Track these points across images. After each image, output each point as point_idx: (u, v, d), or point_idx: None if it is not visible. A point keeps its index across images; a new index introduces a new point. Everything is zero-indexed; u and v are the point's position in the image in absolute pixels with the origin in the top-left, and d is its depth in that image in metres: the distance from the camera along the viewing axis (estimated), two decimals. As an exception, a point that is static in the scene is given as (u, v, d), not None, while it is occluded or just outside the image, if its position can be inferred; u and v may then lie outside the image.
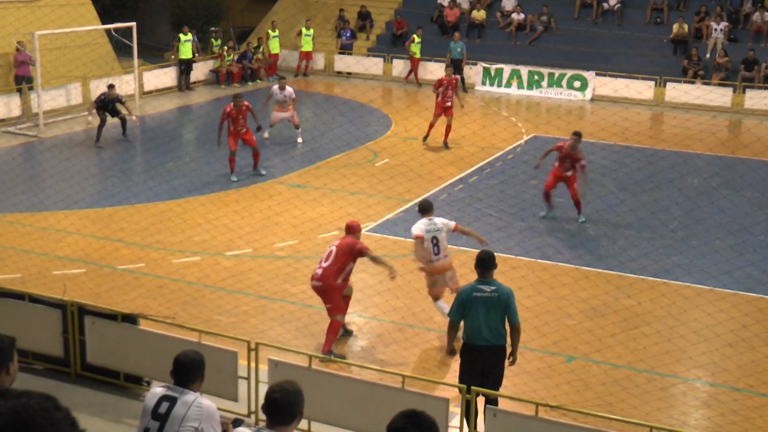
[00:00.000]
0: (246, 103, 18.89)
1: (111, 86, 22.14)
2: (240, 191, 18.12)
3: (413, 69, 31.86)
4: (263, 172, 19.40)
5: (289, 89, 21.90)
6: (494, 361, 9.03)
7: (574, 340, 11.73)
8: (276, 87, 22.05)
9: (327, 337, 11.07)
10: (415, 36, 31.64)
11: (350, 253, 11.04)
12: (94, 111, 21.84)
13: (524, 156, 21.58)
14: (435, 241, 11.72)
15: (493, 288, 8.95)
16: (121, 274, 13.62)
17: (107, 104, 21.83)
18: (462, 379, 9.11)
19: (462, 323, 9.14)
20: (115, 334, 9.81)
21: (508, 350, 9.22)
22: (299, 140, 22.38)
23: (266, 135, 22.26)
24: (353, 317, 12.33)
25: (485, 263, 9.02)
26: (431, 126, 22.33)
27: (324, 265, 10.99)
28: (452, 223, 12.00)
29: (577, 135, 16.31)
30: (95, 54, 26.83)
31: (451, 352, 9.37)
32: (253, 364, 9.30)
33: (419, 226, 11.81)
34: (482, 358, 9.00)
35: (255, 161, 19.35)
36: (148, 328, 9.88)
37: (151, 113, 25.72)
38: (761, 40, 30.98)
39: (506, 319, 9.07)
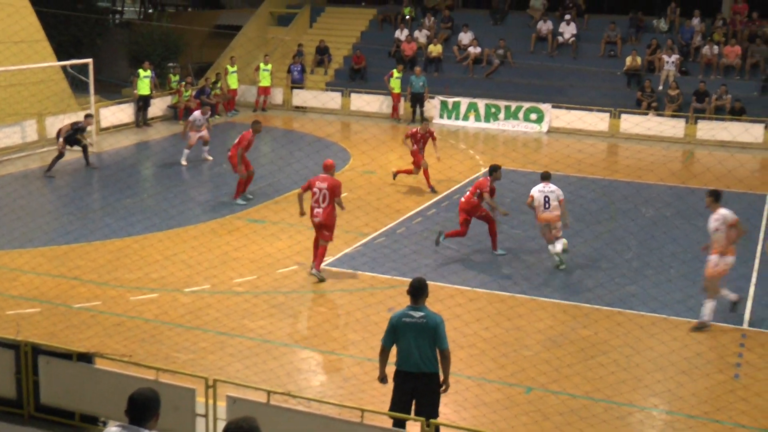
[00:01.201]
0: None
1: (89, 116, 23.47)
2: (198, 227, 18.06)
3: (396, 105, 31.97)
4: (250, 197, 20.25)
5: (208, 112, 24.69)
6: (425, 388, 9.09)
7: (532, 371, 11.80)
8: (198, 112, 23.95)
9: (319, 259, 15.02)
10: (394, 71, 31.76)
11: (336, 193, 14.87)
12: (62, 141, 22.35)
13: (482, 188, 21.74)
14: (547, 199, 15.95)
15: (422, 314, 9.05)
16: (77, 312, 13.48)
17: (76, 133, 22.59)
18: (393, 405, 9.19)
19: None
20: (70, 374, 9.69)
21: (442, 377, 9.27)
22: (209, 157, 24.19)
23: (184, 161, 23.78)
24: (312, 353, 12.34)
25: (416, 290, 9.15)
26: (426, 174, 21.44)
27: (323, 206, 14.81)
28: (562, 195, 15.99)
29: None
30: (51, 91, 26.69)
31: (382, 379, 9.41)
32: (211, 401, 9.24)
33: (534, 189, 16.12)
34: (413, 384, 9.09)
35: (245, 187, 20.28)
36: (105, 366, 9.78)
37: (108, 150, 25.58)
38: (711, 73, 31.63)
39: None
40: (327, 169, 15.26)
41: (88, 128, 23.52)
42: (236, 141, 19.75)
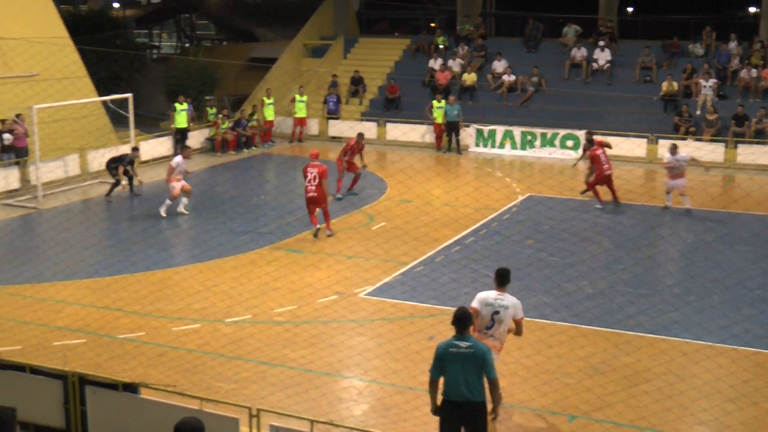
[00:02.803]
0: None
1: (136, 149, 24.91)
2: (238, 258, 18.20)
3: (438, 135, 32.01)
4: (356, 193, 23.88)
5: (190, 156, 22.92)
6: (473, 417, 9.06)
7: (575, 399, 11.73)
8: (179, 157, 22.03)
9: (327, 220, 19.63)
10: (434, 102, 31.90)
11: (324, 176, 19.14)
12: (122, 170, 23.67)
13: (519, 216, 21.74)
14: None
15: (468, 344, 9.05)
16: (121, 343, 13.63)
17: (128, 165, 23.91)
18: None
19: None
20: (117, 404, 9.81)
21: (490, 406, 9.24)
22: (185, 211, 21.97)
23: (163, 213, 21.65)
24: (353, 381, 12.36)
25: (460, 320, 9.16)
26: (613, 191, 22.68)
27: (314, 184, 19.09)
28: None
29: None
30: (92, 126, 27.19)
31: (435, 411, 9.37)
32: (254, 431, 9.30)
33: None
34: (460, 413, 9.06)
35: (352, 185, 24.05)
36: (149, 396, 9.88)
37: (148, 183, 25.86)
38: (750, 96, 31.41)
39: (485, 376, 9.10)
40: (315, 157, 19.48)
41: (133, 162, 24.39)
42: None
